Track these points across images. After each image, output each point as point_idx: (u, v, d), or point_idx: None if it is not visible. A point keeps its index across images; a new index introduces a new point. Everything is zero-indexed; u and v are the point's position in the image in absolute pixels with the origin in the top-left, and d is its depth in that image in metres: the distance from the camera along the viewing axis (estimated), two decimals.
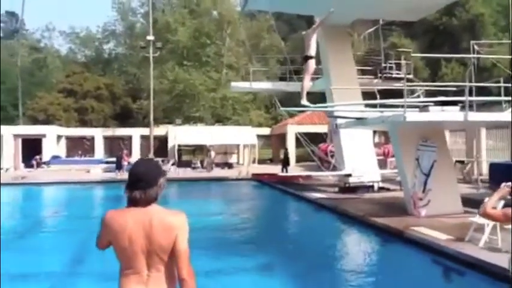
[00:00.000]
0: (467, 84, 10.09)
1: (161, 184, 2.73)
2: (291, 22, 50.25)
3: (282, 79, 27.91)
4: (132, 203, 2.67)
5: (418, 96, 18.08)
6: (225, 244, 10.27)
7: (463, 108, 12.04)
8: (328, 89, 16.61)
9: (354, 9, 16.69)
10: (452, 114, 10.11)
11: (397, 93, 18.07)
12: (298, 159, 32.77)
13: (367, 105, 15.33)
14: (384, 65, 20.48)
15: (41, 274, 7.82)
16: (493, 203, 3.67)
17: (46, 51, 60.30)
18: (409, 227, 10.12)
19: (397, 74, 21.52)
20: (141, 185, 2.65)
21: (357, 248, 10.10)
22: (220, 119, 41.69)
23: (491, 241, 8.37)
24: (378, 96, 13.88)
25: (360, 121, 12.05)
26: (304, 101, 10.82)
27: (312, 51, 10.07)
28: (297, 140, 31.48)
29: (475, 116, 10.13)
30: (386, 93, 20.00)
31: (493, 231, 8.38)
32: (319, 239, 10.76)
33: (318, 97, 20.98)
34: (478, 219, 9.09)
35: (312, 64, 10.30)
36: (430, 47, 38.77)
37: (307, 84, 10.88)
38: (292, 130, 32.45)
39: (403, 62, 20.91)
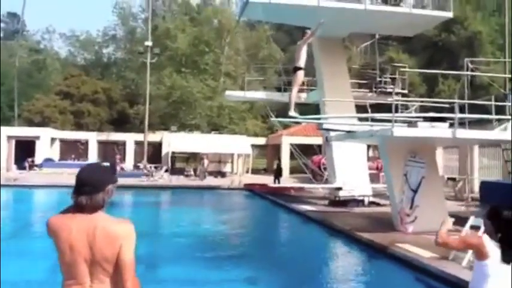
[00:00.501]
0: (456, 101, 10.06)
1: (109, 190, 2.62)
2: (290, 33, 50.42)
3: (279, 89, 27.96)
4: (78, 208, 2.56)
5: (411, 112, 18.11)
6: (208, 253, 10.15)
7: (453, 125, 12.06)
8: (321, 101, 16.56)
9: (348, 22, 16.73)
10: (441, 130, 10.04)
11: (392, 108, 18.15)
12: (292, 171, 32.65)
13: (359, 119, 15.30)
14: (378, 79, 20.47)
15: (21, 282, 7.65)
16: (443, 233, 3.54)
17: (46, 53, 60.34)
18: (394, 243, 10.01)
19: (392, 88, 21.53)
20: (86, 190, 2.54)
21: (339, 263, 9.98)
22: (216, 128, 41.65)
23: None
24: (369, 110, 13.83)
25: (350, 134, 11.98)
26: (292, 112, 10.75)
27: (302, 63, 10.02)
28: (291, 151, 31.48)
29: (463, 133, 10.07)
30: (381, 108, 20.02)
31: None
32: (303, 252, 10.65)
33: (313, 109, 21.01)
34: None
35: (300, 75, 10.25)
36: (428, 63, 38.87)
37: (295, 95, 10.83)
38: (287, 141, 32.39)
39: (397, 76, 20.89)
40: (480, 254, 3.38)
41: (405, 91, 20.94)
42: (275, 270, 9.06)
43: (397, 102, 10.97)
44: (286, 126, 33.40)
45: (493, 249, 3.35)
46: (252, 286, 8.26)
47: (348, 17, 16.39)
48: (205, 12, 45.79)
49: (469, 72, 15.13)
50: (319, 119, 13.36)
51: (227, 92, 27.52)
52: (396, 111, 16.00)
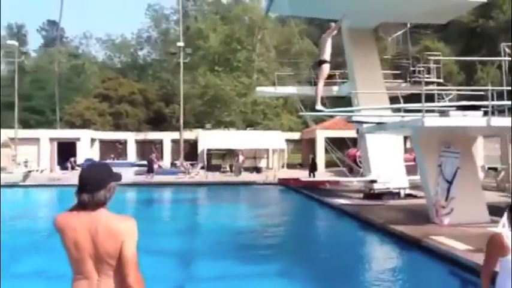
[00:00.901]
0: (489, 88, 9.71)
1: (111, 188, 2.70)
2: (322, 26, 49.89)
3: (315, 83, 27.72)
4: (81, 206, 2.65)
5: (446, 101, 17.65)
6: (239, 248, 10.27)
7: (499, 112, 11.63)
8: (352, 93, 16.36)
9: (377, 12, 16.41)
10: (474, 119, 9.74)
11: (428, 98, 17.70)
12: (328, 165, 32.39)
13: (392, 110, 15.01)
14: (412, 69, 20.00)
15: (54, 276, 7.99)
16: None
17: (84, 58, 62.11)
18: (428, 236, 9.82)
19: (426, 78, 21.00)
20: (88, 188, 2.63)
21: (371, 256, 9.88)
22: (251, 124, 41.84)
23: None
24: (402, 101, 13.54)
25: (380, 126, 11.79)
26: (318, 106, 10.69)
27: (327, 56, 9.94)
28: (329, 143, 31.16)
29: (498, 122, 9.73)
30: (416, 98, 19.56)
31: None
32: (336, 246, 10.62)
33: (346, 102, 20.76)
34: (499, 230, 8.76)
35: (326, 68, 10.17)
36: (466, 51, 37.67)
37: (321, 88, 10.74)
38: (321, 135, 32.18)
39: (431, 65, 20.35)
40: (502, 250, 3.27)
41: (440, 80, 20.36)
42: (307, 264, 9.06)
43: (427, 92, 10.67)
44: (321, 120, 33.15)
45: None
46: (285, 280, 8.27)
47: (376, 7, 16.07)
48: (236, 10, 45.94)
49: (505, 58, 14.57)
50: (347, 111, 13.20)
51: (258, 88, 27.59)
52: (432, 101, 15.75)
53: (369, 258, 9.59)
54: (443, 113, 10.20)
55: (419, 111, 12.26)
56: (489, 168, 19.68)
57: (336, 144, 26.25)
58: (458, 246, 8.92)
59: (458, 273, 7.96)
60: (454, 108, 10.63)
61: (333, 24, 10.36)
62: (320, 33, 43.72)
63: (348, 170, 24.99)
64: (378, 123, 12.00)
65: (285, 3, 14.02)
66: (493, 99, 11.47)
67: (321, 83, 10.60)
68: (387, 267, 8.94)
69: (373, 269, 8.83)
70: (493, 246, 3.31)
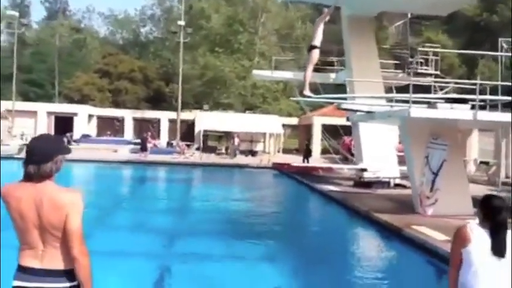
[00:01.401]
0: (478, 82, 9.74)
1: (57, 160, 2.70)
2: (330, 14, 49.29)
3: (315, 70, 27.65)
4: (27, 177, 2.66)
5: (447, 93, 17.65)
6: (227, 229, 10.40)
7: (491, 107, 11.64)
8: (346, 81, 16.37)
9: (378, 1, 16.34)
10: (461, 112, 9.79)
11: (427, 90, 17.68)
12: (325, 151, 32.49)
13: (386, 100, 15.03)
14: (410, 59, 19.97)
15: None
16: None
17: (86, 32, 61.72)
18: (410, 225, 9.94)
19: (425, 69, 21.00)
20: (34, 160, 2.64)
21: (351, 243, 9.99)
22: (250, 107, 41.80)
23: None
24: (395, 91, 13.56)
25: (369, 115, 11.84)
26: (306, 92, 10.70)
27: (317, 41, 9.92)
28: (323, 131, 31.26)
29: (485, 116, 9.78)
30: (414, 89, 19.55)
31: None
32: (316, 232, 10.76)
33: (343, 89, 20.75)
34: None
35: (315, 54, 10.15)
36: (469, 44, 37.44)
37: (310, 74, 10.74)
38: (318, 121, 32.22)
39: (430, 57, 20.31)
40: (464, 241, 3.17)
41: (437, 72, 20.34)
42: (288, 247, 9.22)
43: (423, 84, 10.71)
44: (320, 106, 33.09)
45: (479, 236, 3.13)
46: (259, 263, 8.36)
47: None
48: None
49: (502, 53, 14.57)
50: (335, 98, 13.22)
51: (254, 71, 27.56)
52: (430, 93, 15.76)
53: (348, 246, 9.67)
54: (431, 105, 10.24)
55: (415, 102, 12.36)
56: (481, 162, 19.77)
57: (333, 131, 26.32)
58: (437, 237, 9.04)
59: (435, 263, 8.08)
60: (443, 101, 10.66)
61: (326, 9, 10.33)
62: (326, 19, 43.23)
63: (343, 158, 25.13)
64: (367, 112, 12.04)
65: None
66: (490, 94, 11.57)
67: (309, 69, 10.60)
68: (365, 255, 9.08)
69: (350, 256, 8.92)
70: (457, 238, 3.22)
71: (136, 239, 9.15)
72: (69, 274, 2.67)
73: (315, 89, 19.54)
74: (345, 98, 13.40)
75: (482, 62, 36.39)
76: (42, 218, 2.61)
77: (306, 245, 9.47)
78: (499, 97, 10.36)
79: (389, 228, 10.32)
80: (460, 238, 3.20)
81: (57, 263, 2.66)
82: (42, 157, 2.65)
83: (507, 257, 3.12)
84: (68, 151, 2.86)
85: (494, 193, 3.58)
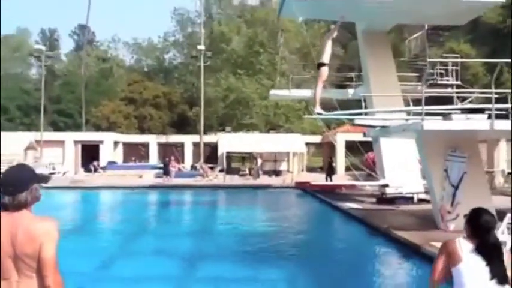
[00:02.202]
0: (493, 90, 9.41)
1: (33, 189, 2.72)
2: (351, 29, 49.29)
3: (339, 86, 27.55)
4: (3, 208, 2.69)
5: (470, 103, 17.18)
6: (248, 251, 10.35)
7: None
8: (361, 97, 16.16)
9: (392, 13, 16.14)
10: (477, 122, 9.46)
11: (447, 101, 17.28)
12: (349, 168, 32.02)
13: (408, 113, 14.72)
14: (429, 71, 19.58)
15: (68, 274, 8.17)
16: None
17: (112, 62, 63.27)
18: (429, 242, 9.57)
19: (447, 80, 20.56)
20: (10, 190, 2.67)
21: (369, 262, 9.67)
22: (273, 127, 41.75)
23: None
24: (411, 104, 13.27)
25: (384, 130, 11.59)
26: (317, 109, 10.57)
27: (326, 59, 9.83)
28: (347, 148, 30.86)
29: (502, 125, 9.42)
30: (434, 101, 19.14)
31: None
32: (334, 251, 10.49)
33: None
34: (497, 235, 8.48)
35: (324, 71, 10.05)
36: (493, 52, 36.60)
37: (320, 91, 10.62)
38: (341, 138, 31.87)
39: (450, 68, 19.89)
40: (452, 258, 3.00)
41: (458, 82, 19.87)
42: (306, 267, 9.06)
43: (429, 95, 10.44)
44: (342, 123, 32.76)
45: (468, 254, 2.97)
46: (279, 281, 8.23)
47: (390, 8, 15.82)
48: (259, 13, 46.01)
49: None
50: (347, 114, 13.02)
51: (272, 91, 27.62)
52: (452, 104, 15.36)
53: (365, 264, 9.41)
54: (446, 117, 9.94)
55: (434, 114, 12.05)
56: (509, 173, 19.06)
57: (357, 147, 25.90)
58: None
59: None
60: (459, 112, 10.34)
61: (333, 26, 10.24)
62: (349, 36, 42.99)
63: (367, 174, 24.67)
64: (382, 127, 11.79)
65: (293, 6, 13.94)
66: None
67: (319, 86, 10.50)
68: (382, 274, 8.79)
69: (368, 274, 8.66)
70: (445, 253, 3.06)
71: (160, 263, 9.22)
72: None
73: (332, 106, 19.48)
74: (357, 114, 13.17)
75: (506, 69, 35.40)
76: (16, 248, 2.62)
77: (320, 264, 9.26)
78: None
79: (409, 245, 9.98)
80: (448, 254, 3.04)
81: None
82: (16, 187, 2.68)
83: (509, 281, 2.97)
84: (45, 180, 2.89)
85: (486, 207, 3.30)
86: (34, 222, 2.68)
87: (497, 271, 2.92)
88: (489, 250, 2.97)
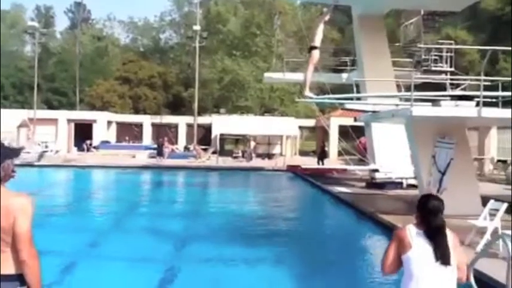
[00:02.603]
0: (482, 78, 9.43)
1: (4, 166, 2.76)
2: (348, 13, 48.90)
3: (335, 71, 27.49)
4: None
5: (464, 90, 17.20)
6: (238, 231, 10.45)
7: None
8: (354, 81, 16.15)
9: None
10: (465, 109, 9.51)
11: (442, 87, 17.28)
12: (341, 153, 32.12)
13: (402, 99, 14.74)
14: (423, 57, 19.57)
15: (57, 252, 8.27)
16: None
17: (107, 40, 62.71)
18: None
19: (440, 66, 20.54)
20: None
21: (354, 245, 9.82)
22: (268, 110, 41.72)
23: (492, 246, 7.85)
24: (403, 90, 13.29)
25: (374, 115, 11.62)
26: (307, 93, 10.57)
27: (317, 42, 9.80)
28: (340, 133, 30.91)
29: (489, 113, 9.47)
30: (427, 87, 19.15)
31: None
32: (319, 233, 10.62)
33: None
34: (479, 223, 8.61)
35: (316, 55, 10.03)
36: (491, 40, 36.51)
37: (310, 75, 10.60)
38: (335, 122, 31.91)
39: (444, 54, 19.86)
40: (403, 246, 3.00)
41: (452, 69, 19.87)
42: (293, 248, 9.19)
43: (418, 81, 10.46)
44: (335, 108, 32.75)
45: (418, 241, 2.98)
46: (262, 262, 8.34)
47: None
48: None
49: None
50: (336, 98, 13.03)
51: (266, 74, 27.55)
52: (445, 90, 15.39)
53: (350, 246, 9.55)
54: (434, 103, 9.98)
55: (424, 100, 12.10)
56: (498, 161, 19.22)
57: (352, 132, 25.91)
58: None
59: None
60: (448, 98, 10.39)
61: (325, 9, 10.20)
62: (346, 20, 42.66)
63: (359, 159, 24.76)
64: (373, 112, 11.82)
65: None
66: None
67: (310, 69, 10.47)
68: (363, 256, 8.94)
69: (352, 256, 8.79)
70: (395, 241, 3.07)
71: (150, 243, 9.30)
72: (21, 277, 2.69)
73: (327, 90, 19.45)
74: (347, 99, 13.18)
75: (503, 57, 35.43)
76: None
77: (309, 246, 9.40)
78: (502, 93, 10.01)
79: (394, 229, 10.10)
80: (398, 241, 3.05)
81: (8, 268, 2.69)
82: None
83: (452, 263, 2.98)
84: (16, 154, 2.92)
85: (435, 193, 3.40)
86: (9, 197, 2.71)
87: (442, 252, 2.95)
88: (435, 232, 2.99)
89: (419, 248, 2.98)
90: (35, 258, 2.69)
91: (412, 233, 3.03)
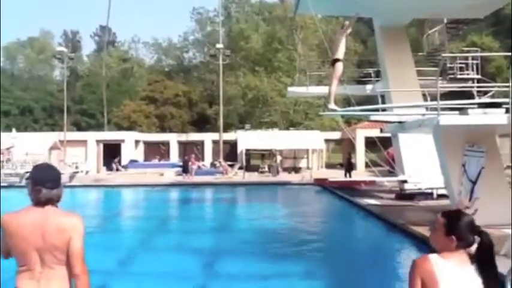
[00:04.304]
0: (510, 84, 9.28)
1: (62, 186, 2.97)
2: (370, 24, 48.77)
3: (359, 82, 27.41)
4: (39, 203, 2.88)
5: (492, 97, 16.92)
6: (266, 247, 10.47)
7: None
8: (386, 93, 16.08)
9: (408, 8, 16.05)
10: (494, 117, 9.36)
11: (469, 95, 17.04)
12: (368, 164, 31.79)
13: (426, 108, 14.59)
14: (446, 65, 19.34)
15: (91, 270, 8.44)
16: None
17: (133, 62, 64.10)
18: None
19: (467, 74, 20.25)
20: (49, 185, 2.87)
21: (386, 257, 9.69)
22: (292, 124, 41.75)
23: None
24: (429, 99, 13.16)
25: (400, 125, 11.53)
26: (331, 105, 10.58)
27: (340, 54, 9.83)
28: (367, 144, 30.64)
29: None
30: (454, 95, 18.89)
31: None
32: (351, 246, 10.52)
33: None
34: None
35: (339, 67, 10.05)
36: None
37: (335, 88, 10.62)
38: (361, 134, 31.68)
39: (470, 61, 19.61)
40: (427, 277, 2.40)
41: (479, 76, 19.57)
42: (323, 263, 9.14)
43: (444, 89, 10.35)
44: (359, 119, 32.61)
45: (447, 274, 2.39)
46: (298, 277, 8.33)
47: (407, 4, 15.75)
48: (278, 10, 46.03)
49: None
50: (362, 110, 12.98)
51: (289, 89, 27.65)
52: (472, 99, 15.18)
53: (381, 260, 9.43)
54: (462, 111, 9.86)
55: (452, 109, 11.95)
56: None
57: (379, 143, 25.66)
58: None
59: None
60: (475, 106, 10.25)
61: (347, 22, 10.24)
62: (368, 31, 42.63)
63: (387, 170, 24.47)
64: (399, 122, 11.73)
65: (308, 3, 13.95)
66: None
67: (334, 82, 10.50)
68: (397, 269, 8.79)
69: (383, 270, 8.68)
70: (417, 274, 2.44)
71: (181, 259, 9.41)
72: None
73: (351, 102, 19.39)
74: (372, 110, 13.12)
75: None
76: (46, 241, 2.81)
77: (339, 260, 9.33)
78: None
79: (425, 240, 9.94)
80: (420, 275, 2.42)
81: (54, 285, 2.84)
82: (55, 182, 2.90)
83: None
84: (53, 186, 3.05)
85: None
86: (63, 216, 2.89)
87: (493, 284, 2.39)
88: (483, 256, 2.43)
89: (449, 282, 2.39)
90: (87, 274, 2.86)
91: (438, 263, 2.43)
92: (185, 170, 27.89)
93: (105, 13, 60.83)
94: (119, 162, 33.75)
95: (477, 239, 2.49)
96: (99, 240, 11.54)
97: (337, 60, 9.95)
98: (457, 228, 2.47)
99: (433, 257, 2.47)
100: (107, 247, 10.65)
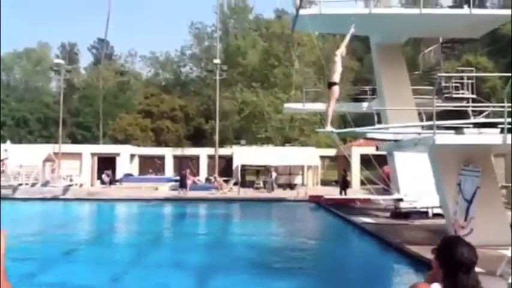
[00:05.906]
0: (505, 104, 9.34)
1: None
2: (367, 42, 49.08)
3: (355, 100, 27.54)
4: None
5: (487, 117, 17.00)
6: (252, 263, 10.38)
7: None
8: (381, 111, 16.14)
9: (405, 28, 16.22)
10: (489, 136, 9.38)
11: (463, 115, 17.10)
12: (364, 182, 31.76)
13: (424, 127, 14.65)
14: (441, 84, 19.47)
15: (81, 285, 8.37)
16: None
17: (129, 75, 64.19)
18: None
19: (462, 93, 20.38)
20: None
21: (381, 276, 9.62)
22: (288, 140, 41.76)
23: None
24: (424, 118, 13.22)
25: (397, 144, 11.55)
26: (328, 127, 10.58)
27: (336, 78, 9.85)
28: (363, 161, 30.64)
29: None
30: (450, 114, 18.98)
31: None
32: (345, 265, 10.43)
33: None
34: (510, 252, 8.36)
35: (336, 90, 10.06)
36: None
37: (331, 110, 10.62)
38: (356, 152, 31.70)
39: (465, 81, 19.76)
40: None
41: (473, 96, 19.71)
42: (317, 280, 9.05)
43: (440, 109, 10.41)
44: (355, 137, 32.67)
45: None
46: None
47: (403, 23, 15.91)
48: (275, 27, 46.35)
49: None
50: (359, 131, 13.00)
51: (286, 105, 27.74)
52: (467, 118, 15.24)
53: (376, 279, 9.35)
54: (458, 131, 9.88)
55: (447, 128, 11.98)
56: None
57: (374, 161, 25.70)
58: None
59: None
60: (471, 126, 10.28)
61: (343, 47, 10.29)
62: (365, 49, 42.86)
63: (382, 188, 24.44)
64: (395, 141, 11.75)
65: (307, 21, 14.06)
66: None
67: (331, 105, 10.49)
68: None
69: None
70: None
71: (174, 275, 9.32)
72: None
73: (347, 120, 19.47)
74: (369, 129, 13.15)
75: None
76: None
77: (333, 279, 9.24)
78: None
79: (421, 260, 9.88)
80: None
81: None
82: None
83: None
84: None
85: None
86: None
87: None
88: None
89: None
90: None
91: None
92: (182, 184, 27.75)
93: (103, 26, 61.07)
94: (109, 172, 33.35)
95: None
96: (91, 255, 11.46)
97: (334, 83, 9.97)
98: (439, 255, 2.28)
99: (435, 286, 2.22)
100: (99, 262, 10.53)
